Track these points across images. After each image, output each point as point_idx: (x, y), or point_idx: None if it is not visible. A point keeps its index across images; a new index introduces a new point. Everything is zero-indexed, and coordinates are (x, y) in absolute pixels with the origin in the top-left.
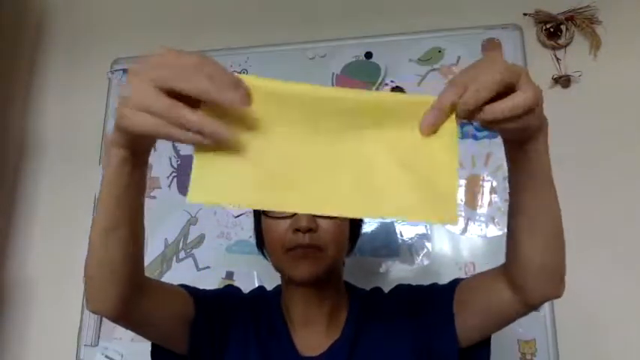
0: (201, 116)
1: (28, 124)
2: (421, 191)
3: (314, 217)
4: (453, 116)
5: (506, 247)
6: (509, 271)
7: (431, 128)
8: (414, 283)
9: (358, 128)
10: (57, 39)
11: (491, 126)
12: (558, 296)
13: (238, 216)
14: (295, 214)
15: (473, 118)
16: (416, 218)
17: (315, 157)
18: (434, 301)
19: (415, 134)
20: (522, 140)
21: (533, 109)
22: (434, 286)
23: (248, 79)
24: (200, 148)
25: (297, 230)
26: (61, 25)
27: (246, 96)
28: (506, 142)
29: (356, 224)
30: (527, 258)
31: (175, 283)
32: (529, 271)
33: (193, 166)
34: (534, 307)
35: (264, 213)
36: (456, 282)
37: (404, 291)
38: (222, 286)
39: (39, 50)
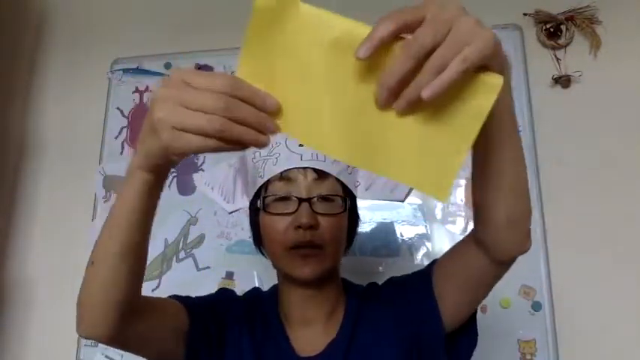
0: (243, 128)
1: (28, 124)
2: (425, 159)
3: (315, 214)
4: (495, 84)
5: (473, 207)
6: (477, 232)
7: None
8: None
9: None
10: (57, 39)
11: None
12: (525, 250)
13: (232, 212)
14: (296, 210)
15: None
16: (411, 184)
17: (340, 101)
18: (414, 287)
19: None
20: None
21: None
22: (414, 273)
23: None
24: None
25: (298, 227)
26: (61, 25)
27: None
28: None
29: (353, 222)
30: (492, 212)
31: (175, 282)
32: (496, 226)
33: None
34: (504, 263)
35: (264, 209)
36: (432, 262)
37: (392, 284)
38: (222, 286)
39: (39, 50)
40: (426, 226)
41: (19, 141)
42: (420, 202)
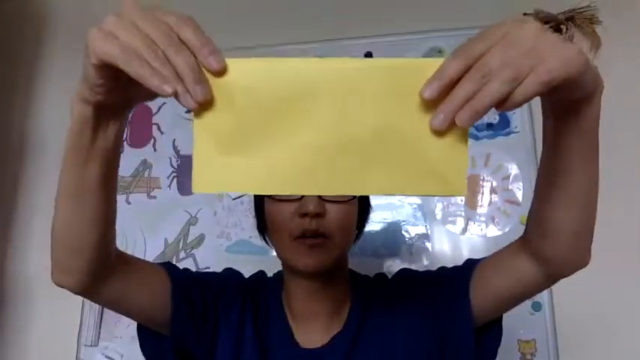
0: (190, 62)
1: (28, 125)
2: (430, 164)
3: (322, 202)
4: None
5: (533, 219)
6: (534, 243)
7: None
8: None
9: (361, 98)
10: (57, 39)
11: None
12: (585, 264)
13: (236, 198)
14: (302, 197)
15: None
16: (427, 192)
17: (319, 136)
18: (447, 286)
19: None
20: (572, 100)
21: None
22: (444, 271)
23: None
24: (200, 129)
25: (304, 215)
26: (61, 26)
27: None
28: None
29: (364, 210)
30: (560, 227)
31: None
32: (561, 241)
33: (194, 151)
34: (562, 277)
35: (269, 196)
36: (470, 264)
37: (409, 276)
38: None
39: (39, 51)
40: (426, 226)
41: (19, 141)
42: (419, 202)
